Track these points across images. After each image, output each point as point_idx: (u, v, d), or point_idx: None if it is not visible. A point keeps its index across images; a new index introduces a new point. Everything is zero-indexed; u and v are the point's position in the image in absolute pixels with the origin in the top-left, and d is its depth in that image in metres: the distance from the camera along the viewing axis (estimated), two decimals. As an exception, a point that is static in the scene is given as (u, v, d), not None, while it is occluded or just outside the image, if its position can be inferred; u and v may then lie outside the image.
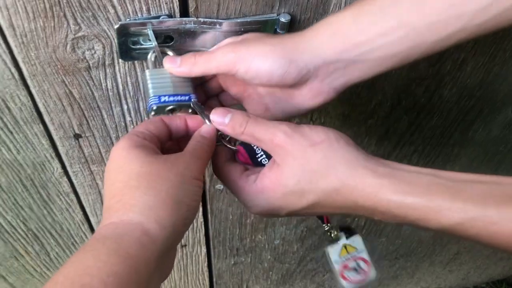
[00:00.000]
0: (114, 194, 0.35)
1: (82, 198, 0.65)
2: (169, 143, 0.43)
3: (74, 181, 0.62)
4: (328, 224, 0.61)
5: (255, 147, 0.42)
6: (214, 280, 0.95)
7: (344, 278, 0.62)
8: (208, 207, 0.75)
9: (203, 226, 0.79)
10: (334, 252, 0.62)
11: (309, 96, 0.41)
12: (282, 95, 0.42)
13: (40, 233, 0.69)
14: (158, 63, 0.46)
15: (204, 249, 0.85)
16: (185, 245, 0.83)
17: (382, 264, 1.12)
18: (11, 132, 0.53)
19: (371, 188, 0.35)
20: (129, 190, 0.34)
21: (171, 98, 0.42)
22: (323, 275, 1.08)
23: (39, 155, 0.57)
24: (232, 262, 0.92)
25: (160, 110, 0.42)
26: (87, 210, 0.68)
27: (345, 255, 0.62)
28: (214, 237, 0.83)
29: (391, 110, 0.68)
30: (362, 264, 0.63)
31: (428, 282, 1.31)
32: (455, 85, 0.67)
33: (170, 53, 0.46)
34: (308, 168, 0.36)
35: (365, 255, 0.63)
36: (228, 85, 0.46)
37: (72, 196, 0.65)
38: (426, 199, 0.33)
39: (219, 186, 0.71)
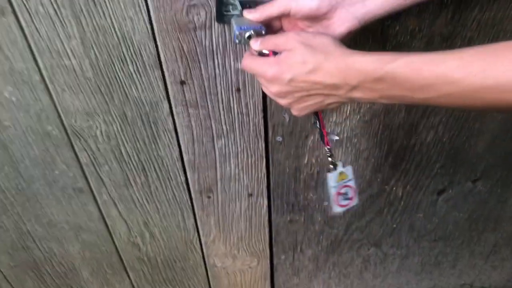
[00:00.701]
0: None
1: (180, 136, 0.90)
2: None
3: (176, 121, 0.87)
4: (329, 148, 0.77)
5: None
6: (273, 236, 1.15)
7: (336, 202, 0.80)
8: (270, 158, 0.97)
9: (265, 177, 1.00)
10: (332, 178, 0.78)
11: (338, 24, 0.62)
12: (321, 27, 0.64)
13: (147, 165, 0.94)
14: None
15: (265, 201, 1.06)
16: (251, 195, 1.04)
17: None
18: (141, 75, 0.79)
19: (361, 56, 0.54)
20: None
21: (248, 27, 0.65)
22: (368, 248, 1.24)
23: (155, 95, 0.82)
24: (288, 219, 1.11)
25: (241, 37, 0.65)
26: (182, 148, 0.92)
27: (340, 182, 0.79)
28: (274, 189, 1.03)
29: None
30: (350, 191, 0.80)
31: (471, 277, 1.41)
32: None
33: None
34: (310, 44, 0.57)
35: (353, 183, 0.80)
36: (284, 24, 0.68)
37: (173, 134, 0.89)
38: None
39: (279, 138, 0.93)
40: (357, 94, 0.57)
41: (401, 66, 0.51)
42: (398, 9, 0.61)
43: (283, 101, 0.63)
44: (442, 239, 1.25)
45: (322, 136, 0.77)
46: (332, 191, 0.79)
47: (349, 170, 0.80)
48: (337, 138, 0.94)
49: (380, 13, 0.61)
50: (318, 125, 0.76)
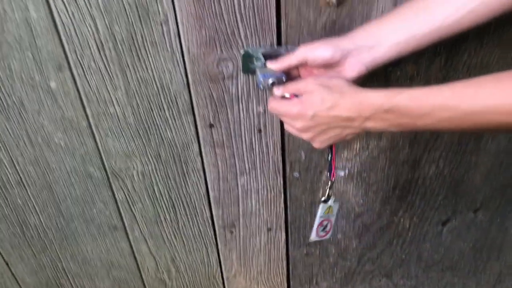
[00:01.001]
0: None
1: (207, 174, 1.00)
2: None
3: (204, 160, 0.97)
4: (332, 180, 0.87)
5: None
6: (290, 269, 1.22)
7: (316, 232, 0.89)
8: (288, 193, 1.06)
9: (283, 212, 1.09)
10: (322, 209, 0.88)
11: (349, 70, 0.73)
12: (334, 72, 0.75)
13: (176, 202, 1.03)
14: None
15: (284, 235, 1.14)
16: (270, 229, 1.13)
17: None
18: (175, 119, 0.90)
19: (371, 92, 0.65)
20: None
21: (271, 76, 0.76)
22: (379, 280, 1.31)
23: (187, 137, 0.93)
24: (305, 252, 1.19)
25: (265, 83, 0.76)
26: (209, 185, 1.01)
27: (326, 214, 0.89)
28: (291, 223, 1.12)
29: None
30: (328, 225, 0.89)
31: (480, 307, 1.47)
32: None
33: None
34: (327, 86, 0.68)
35: (333, 219, 0.89)
36: (301, 72, 0.80)
37: (201, 172, 0.99)
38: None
39: (296, 174, 1.03)
40: (369, 124, 0.67)
41: (405, 98, 0.62)
42: (398, 57, 0.73)
43: (306, 135, 0.74)
44: (449, 269, 1.32)
45: (330, 168, 0.87)
46: (317, 221, 0.89)
47: (336, 206, 0.89)
48: (342, 174, 1.04)
49: (383, 60, 0.73)
50: (329, 158, 0.86)
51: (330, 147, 0.85)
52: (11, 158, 0.92)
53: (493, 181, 1.12)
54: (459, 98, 0.57)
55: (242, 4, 0.77)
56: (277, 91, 0.77)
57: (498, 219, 1.21)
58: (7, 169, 0.93)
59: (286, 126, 0.79)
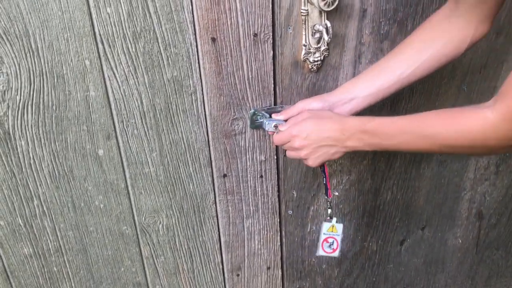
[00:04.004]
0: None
1: (220, 221, 1.17)
2: None
3: (218, 207, 1.15)
4: (330, 199, 1.10)
5: None
6: (286, 305, 1.39)
7: (322, 247, 1.12)
8: (283, 231, 1.26)
9: (279, 249, 1.29)
10: (325, 226, 1.11)
11: None
12: None
13: (193, 251, 1.18)
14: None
15: (280, 272, 1.32)
16: (269, 268, 1.30)
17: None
18: (197, 173, 1.09)
19: (352, 118, 0.92)
20: None
21: (275, 120, 1.01)
22: (358, 305, 1.51)
23: (205, 188, 1.12)
24: (298, 286, 1.37)
25: (270, 126, 1.00)
26: (221, 231, 1.19)
27: (330, 232, 1.12)
28: (287, 258, 1.31)
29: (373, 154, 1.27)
30: (334, 243, 1.13)
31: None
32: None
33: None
34: (317, 114, 0.94)
35: (339, 239, 1.13)
36: None
37: (215, 219, 1.16)
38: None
39: (290, 211, 1.24)
40: (350, 143, 0.91)
41: (376, 124, 0.89)
42: (371, 104, 1.01)
43: (303, 153, 0.95)
44: (409, 286, 1.57)
45: (326, 189, 1.10)
46: (322, 237, 1.11)
47: (340, 227, 1.12)
48: (337, 193, 1.27)
49: (360, 108, 1.01)
50: (324, 180, 1.09)
51: (323, 170, 1.08)
52: (54, 226, 1.03)
53: (432, 201, 1.43)
54: (414, 125, 0.84)
55: (250, 76, 1.03)
56: (281, 127, 1.00)
57: (439, 234, 1.51)
58: (48, 237, 1.03)
59: (288, 153, 1.01)
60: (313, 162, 0.98)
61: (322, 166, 1.05)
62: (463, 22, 0.92)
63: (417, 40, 0.97)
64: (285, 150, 1.03)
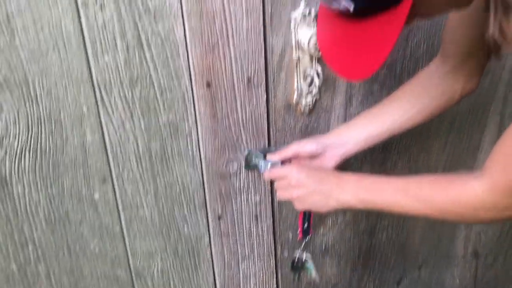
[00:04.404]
0: None
1: (215, 263, 1.17)
2: None
3: (213, 250, 1.15)
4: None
5: None
6: None
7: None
8: (279, 273, 1.26)
9: (276, 291, 1.27)
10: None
11: (328, 160, 1.02)
12: (316, 163, 1.03)
13: (189, 294, 1.17)
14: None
15: (277, 315, 1.30)
16: (266, 310, 1.28)
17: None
18: (191, 215, 1.10)
19: (347, 174, 0.93)
20: None
21: (270, 161, 1.02)
22: None
23: (200, 230, 1.12)
24: (295, 329, 1.35)
25: (264, 167, 1.02)
26: (216, 273, 1.18)
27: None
28: (283, 301, 1.30)
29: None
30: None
31: None
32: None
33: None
34: (310, 167, 0.96)
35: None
36: (293, 163, 1.06)
37: (210, 262, 1.16)
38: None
39: (285, 253, 1.24)
40: (343, 197, 0.90)
41: (372, 180, 0.89)
42: (363, 149, 1.03)
43: (296, 193, 0.95)
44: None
45: (303, 229, 1.10)
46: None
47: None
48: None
49: (352, 153, 1.03)
50: (306, 225, 1.10)
51: (309, 219, 1.09)
52: (48, 271, 1.02)
53: (428, 241, 1.44)
54: (407, 187, 0.84)
55: (244, 118, 1.05)
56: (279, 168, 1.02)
57: (436, 273, 1.51)
58: (43, 282, 1.03)
59: (279, 192, 1.00)
60: (301, 205, 0.97)
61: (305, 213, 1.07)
62: (452, 78, 0.96)
63: (408, 92, 1.01)
64: (276, 191, 1.03)
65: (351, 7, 0.64)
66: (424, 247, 1.44)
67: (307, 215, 1.09)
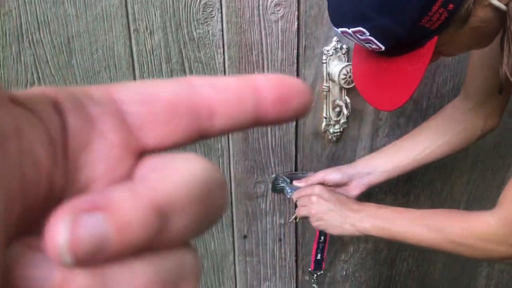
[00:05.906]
0: None
1: (238, 282, 1.21)
2: None
3: (237, 268, 1.20)
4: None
5: None
6: None
7: None
8: (300, 295, 1.29)
9: (295, 314, 1.30)
10: None
11: (353, 189, 1.06)
12: (342, 190, 1.07)
13: (210, 310, 1.21)
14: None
15: (294, 338, 1.33)
16: (284, 332, 1.31)
17: None
18: (219, 232, 1.15)
19: (366, 203, 0.97)
20: None
21: (296, 188, 1.07)
22: None
23: (226, 248, 1.17)
24: None
25: (291, 192, 1.06)
26: (238, 291, 1.22)
27: None
28: (302, 324, 1.32)
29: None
30: None
31: None
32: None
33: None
34: (334, 192, 1.00)
35: None
36: None
37: (234, 279, 1.20)
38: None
39: (306, 277, 1.27)
40: (360, 224, 0.93)
41: (390, 210, 0.93)
42: (388, 180, 1.07)
43: (314, 209, 0.98)
44: None
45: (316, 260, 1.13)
46: None
47: None
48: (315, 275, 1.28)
49: (377, 183, 1.07)
50: (319, 246, 1.13)
51: (322, 251, 1.13)
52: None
53: (448, 275, 1.45)
54: (422, 217, 0.88)
55: (273, 143, 1.11)
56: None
57: (456, 309, 1.51)
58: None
59: (300, 208, 1.03)
60: (317, 222, 1.00)
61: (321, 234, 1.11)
62: (474, 115, 1.01)
63: (433, 126, 1.05)
64: (296, 207, 1.07)
65: (382, 48, 0.71)
66: (445, 281, 1.45)
67: (321, 246, 1.13)
